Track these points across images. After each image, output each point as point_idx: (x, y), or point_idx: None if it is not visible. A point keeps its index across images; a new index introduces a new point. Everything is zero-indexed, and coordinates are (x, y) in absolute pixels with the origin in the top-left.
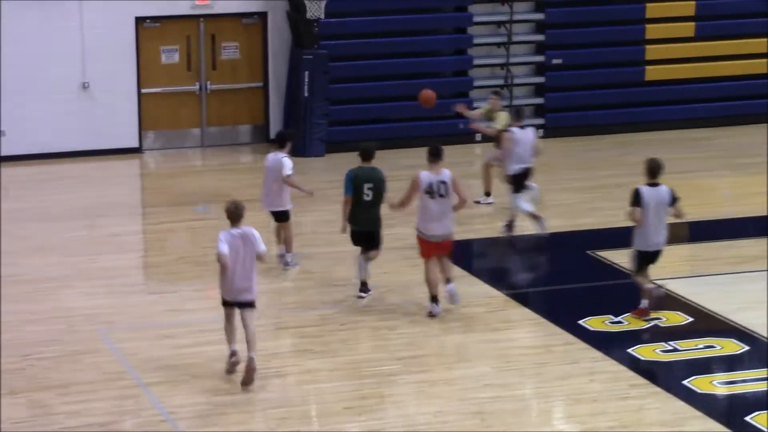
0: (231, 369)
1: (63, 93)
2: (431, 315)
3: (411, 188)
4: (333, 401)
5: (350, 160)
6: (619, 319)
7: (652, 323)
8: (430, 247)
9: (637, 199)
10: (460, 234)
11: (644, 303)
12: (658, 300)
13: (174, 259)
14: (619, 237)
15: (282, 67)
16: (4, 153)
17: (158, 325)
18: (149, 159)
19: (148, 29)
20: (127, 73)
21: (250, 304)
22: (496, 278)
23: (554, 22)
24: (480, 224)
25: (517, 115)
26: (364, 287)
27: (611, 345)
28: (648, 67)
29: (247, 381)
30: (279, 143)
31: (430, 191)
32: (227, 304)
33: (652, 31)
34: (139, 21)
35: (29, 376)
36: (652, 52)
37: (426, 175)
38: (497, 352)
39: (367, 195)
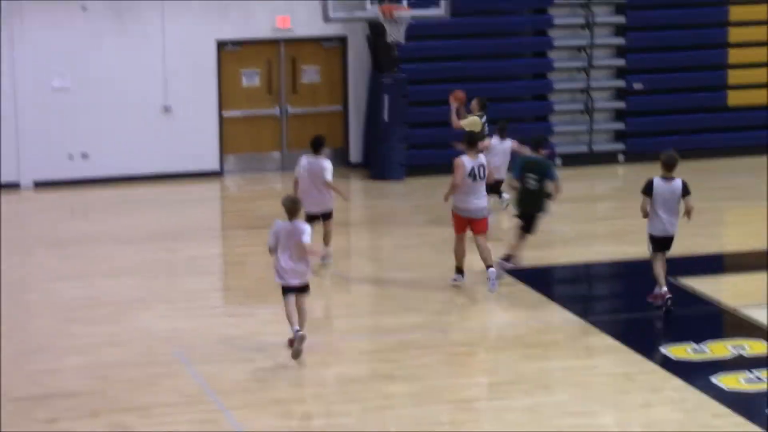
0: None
1: (145, 116)
2: (454, 284)
3: (456, 173)
4: (412, 426)
5: (430, 184)
6: (701, 347)
7: (737, 352)
8: (462, 222)
9: (648, 190)
10: (539, 260)
11: (657, 290)
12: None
13: (253, 283)
14: (701, 263)
15: (362, 91)
16: (88, 175)
17: (238, 348)
18: (230, 182)
19: (229, 52)
20: (208, 96)
21: (302, 288)
22: (577, 305)
23: (635, 46)
24: (559, 250)
25: (501, 129)
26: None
27: (693, 373)
28: (730, 92)
29: (296, 354)
30: (315, 148)
31: (472, 174)
32: (283, 290)
33: (735, 55)
34: (221, 44)
35: (109, 397)
36: (734, 76)
37: (467, 161)
38: (577, 379)
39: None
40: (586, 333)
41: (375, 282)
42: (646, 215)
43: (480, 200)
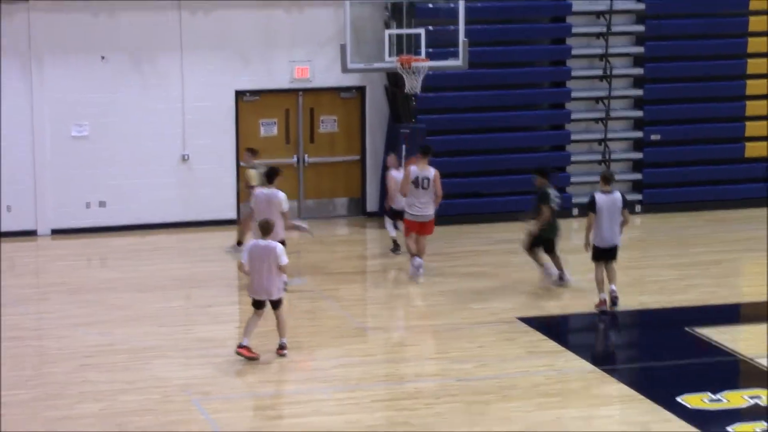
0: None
1: (163, 165)
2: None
3: (404, 180)
4: None
5: (448, 232)
6: (717, 396)
7: (753, 402)
8: (413, 225)
9: (591, 205)
10: (554, 309)
11: (602, 296)
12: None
13: (269, 331)
14: (718, 313)
15: (379, 141)
16: (105, 223)
17: (254, 396)
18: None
19: (248, 102)
20: (226, 145)
21: (277, 302)
22: (593, 353)
23: (652, 98)
24: (572, 299)
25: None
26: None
27: (710, 423)
28: (747, 144)
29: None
30: (269, 178)
31: (416, 183)
32: (255, 304)
33: (752, 108)
34: (239, 94)
35: None
36: (751, 128)
37: (414, 170)
38: (594, 428)
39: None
40: (602, 382)
41: (391, 330)
42: (590, 225)
43: (425, 207)
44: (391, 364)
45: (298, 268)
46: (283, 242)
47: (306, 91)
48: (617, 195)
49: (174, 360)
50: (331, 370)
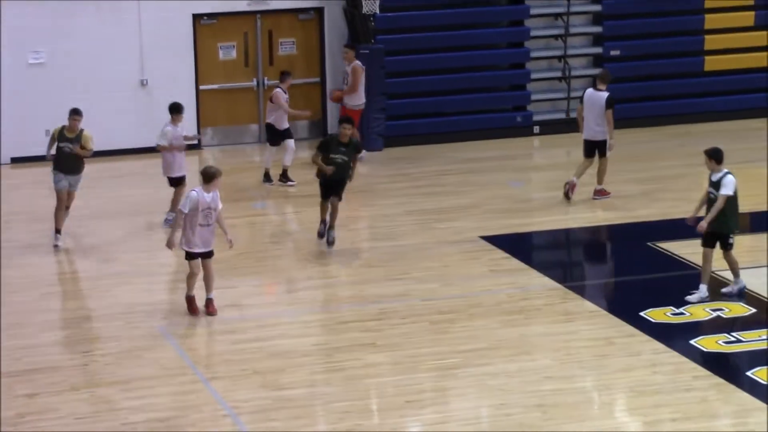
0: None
1: (122, 90)
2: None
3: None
4: (394, 395)
5: (409, 154)
6: (681, 310)
7: (715, 314)
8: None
9: (581, 98)
10: (517, 227)
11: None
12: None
13: (233, 255)
14: (681, 228)
15: (339, 63)
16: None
17: (218, 321)
18: (207, 155)
19: (206, 26)
20: (185, 69)
21: (209, 254)
22: (556, 271)
23: (612, 13)
24: (537, 217)
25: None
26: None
27: (673, 336)
28: (707, 58)
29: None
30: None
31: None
32: (190, 255)
33: (711, 21)
34: (197, 18)
35: (91, 371)
36: (711, 42)
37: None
38: (558, 344)
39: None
40: (566, 298)
41: (355, 252)
42: (579, 119)
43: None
44: (356, 285)
45: (260, 193)
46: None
47: (264, 13)
48: (602, 94)
49: (138, 286)
50: (297, 293)
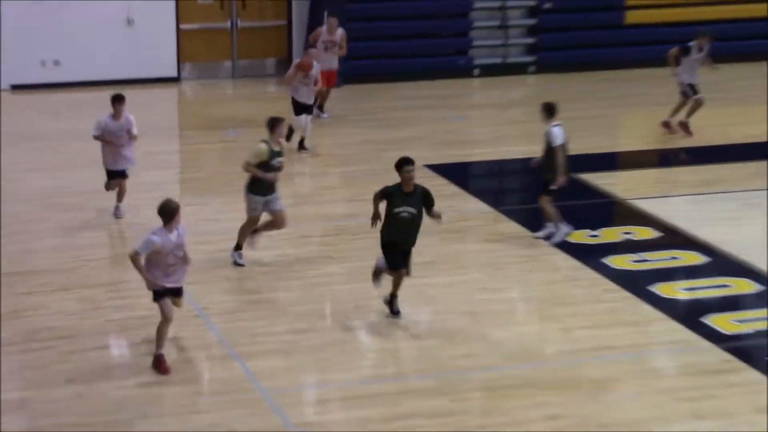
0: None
1: (111, 27)
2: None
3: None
4: (346, 301)
5: (364, 92)
6: (596, 233)
7: (626, 237)
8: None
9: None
10: (459, 158)
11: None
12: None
13: (207, 176)
14: (598, 161)
15: (304, 8)
16: (59, 80)
17: (194, 233)
18: (186, 88)
19: None
20: (167, 10)
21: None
22: (490, 196)
23: None
24: (475, 149)
25: None
26: None
27: (588, 256)
28: (628, 12)
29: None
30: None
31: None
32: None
33: None
34: None
35: (81, 275)
36: None
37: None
38: (489, 260)
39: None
40: (497, 221)
41: (316, 175)
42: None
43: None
44: (317, 205)
45: (232, 123)
46: None
47: None
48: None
49: (123, 202)
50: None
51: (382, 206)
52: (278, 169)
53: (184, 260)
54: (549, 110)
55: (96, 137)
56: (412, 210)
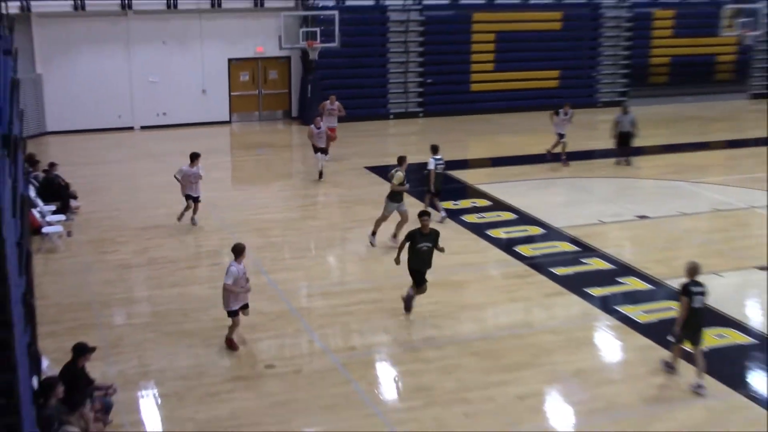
0: None
1: (194, 93)
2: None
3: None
4: (324, 245)
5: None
6: (457, 202)
7: (472, 205)
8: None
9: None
10: (383, 163)
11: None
12: None
13: (248, 175)
14: (458, 164)
15: (297, 82)
16: (168, 123)
17: (225, 199)
18: (234, 127)
19: (235, 64)
20: (224, 84)
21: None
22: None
23: (430, 52)
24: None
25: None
26: None
27: (452, 215)
28: (472, 84)
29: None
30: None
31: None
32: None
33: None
34: (230, 60)
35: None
36: (475, 78)
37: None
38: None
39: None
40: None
41: (307, 173)
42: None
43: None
44: (304, 188)
45: (260, 145)
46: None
47: (262, 58)
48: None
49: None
50: (281, 192)
51: (405, 247)
52: (406, 187)
53: (248, 287)
54: (433, 148)
55: (176, 178)
56: (429, 244)
